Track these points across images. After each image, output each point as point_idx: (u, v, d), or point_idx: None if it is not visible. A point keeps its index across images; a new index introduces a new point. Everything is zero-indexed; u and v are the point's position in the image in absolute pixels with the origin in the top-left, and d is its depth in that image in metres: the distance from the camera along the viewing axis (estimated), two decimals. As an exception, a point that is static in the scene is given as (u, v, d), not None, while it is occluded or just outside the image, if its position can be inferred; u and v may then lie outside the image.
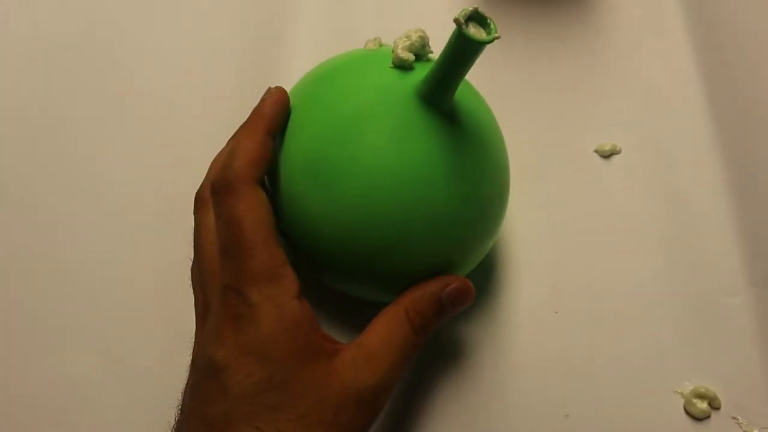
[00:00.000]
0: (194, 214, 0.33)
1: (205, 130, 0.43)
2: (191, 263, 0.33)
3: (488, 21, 0.28)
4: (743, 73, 0.45)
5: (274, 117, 0.32)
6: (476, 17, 0.28)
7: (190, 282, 0.33)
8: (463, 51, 0.28)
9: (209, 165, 0.34)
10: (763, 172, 0.42)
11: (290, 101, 0.34)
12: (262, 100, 0.33)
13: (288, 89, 0.35)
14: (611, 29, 0.48)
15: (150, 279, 0.40)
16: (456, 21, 0.27)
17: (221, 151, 0.34)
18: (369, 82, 0.32)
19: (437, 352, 0.38)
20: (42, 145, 0.45)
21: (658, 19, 0.48)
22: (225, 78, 0.47)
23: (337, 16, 0.49)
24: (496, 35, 0.28)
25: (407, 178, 0.30)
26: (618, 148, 0.44)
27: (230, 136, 0.35)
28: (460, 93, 0.32)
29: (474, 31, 0.28)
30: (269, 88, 0.33)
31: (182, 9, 0.50)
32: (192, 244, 0.33)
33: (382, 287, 0.33)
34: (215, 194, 0.31)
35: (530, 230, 0.41)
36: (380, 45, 0.36)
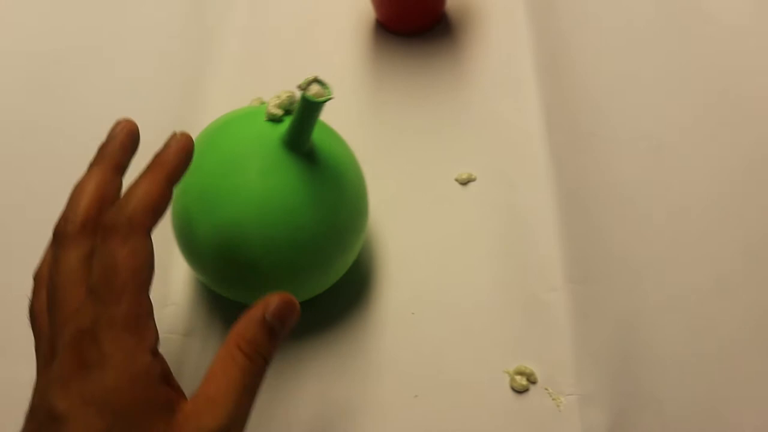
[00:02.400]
0: (53, 249, 0.32)
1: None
2: (29, 301, 0.33)
3: (326, 85, 0.37)
4: (578, 113, 0.55)
5: (178, 165, 0.32)
6: (319, 81, 0.37)
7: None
8: (306, 109, 0.38)
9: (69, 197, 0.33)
10: (585, 192, 0.51)
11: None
12: (167, 146, 0.33)
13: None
14: (473, 78, 0.58)
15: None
16: (299, 87, 0.37)
17: (81, 184, 0.33)
18: (247, 133, 0.42)
19: (309, 339, 0.47)
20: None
21: (512, 67, 0.58)
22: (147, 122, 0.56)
23: (249, 82, 0.60)
24: (331, 96, 0.37)
25: (272, 205, 0.39)
26: (474, 176, 0.53)
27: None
28: (319, 138, 0.42)
29: (316, 91, 0.37)
30: (174, 133, 0.33)
31: (112, 72, 0.61)
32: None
33: (255, 293, 0.42)
34: (102, 231, 0.30)
35: (396, 247, 0.50)
36: (261, 103, 0.45)
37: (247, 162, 0.40)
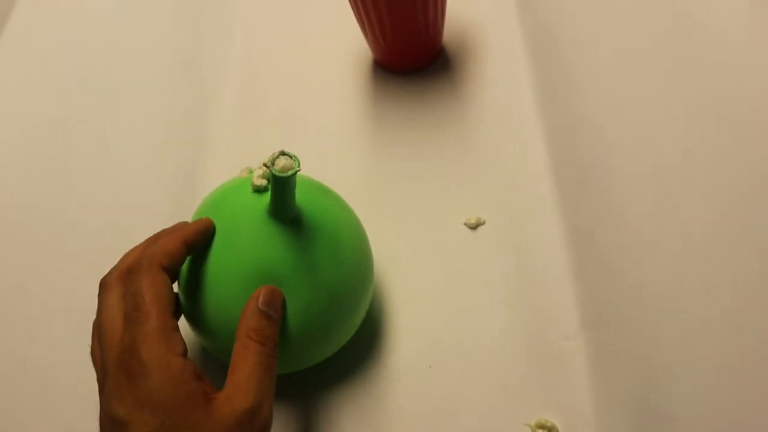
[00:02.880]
0: (98, 296, 0.38)
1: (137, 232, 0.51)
2: (90, 347, 0.38)
3: (293, 156, 0.37)
4: (582, 149, 0.53)
5: (194, 232, 0.40)
6: (286, 154, 0.37)
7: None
8: (277, 184, 0.37)
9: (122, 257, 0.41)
10: (594, 229, 0.49)
11: None
12: (191, 223, 0.41)
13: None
14: (474, 116, 0.57)
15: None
16: (264, 164, 0.37)
17: (128, 252, 0.41)
18: (235, 207, 0.41)
19: (323, 397, 0.46)
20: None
21: (513, 102, 0.57)
22: (155, 186, 0.58)
23: (251, 124, 0.60)
24: (298, 168, 0.37)
25: (264, 275, 0.39)
26: (483, 220, 0.51)
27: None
28: (309, 202, 0.41)
29: (284, 164, 0.36)
30: (200, 219, 0.41)
31: (107, 143, 0.61)
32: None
33: None
34: (129, 273, 0.37)
35: (408, 298, 0.49)
36: (251, 171, 0.45)
37: (236, 236, 0.40)
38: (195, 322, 0.43)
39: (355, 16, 0.56)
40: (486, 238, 0.51)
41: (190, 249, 0.40)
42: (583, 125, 0.54)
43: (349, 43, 0.63)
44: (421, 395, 0.46)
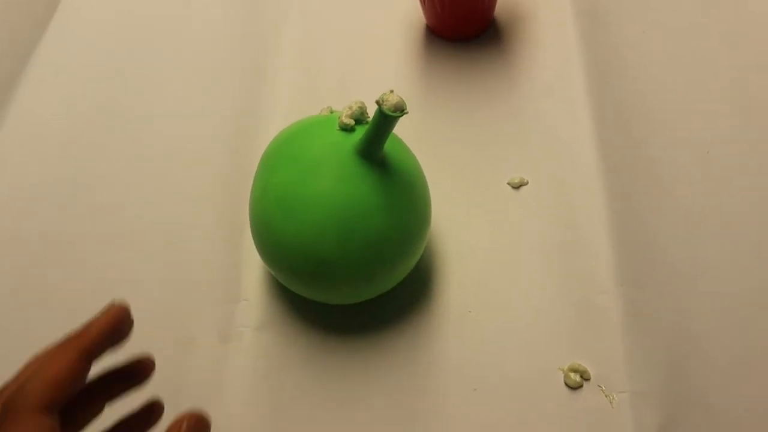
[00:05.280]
0: None
1: (197, 182, 0.55)
2: None
3: (402, 99, 0.40)
4: (629, 119, 0.57)
5: (99, 337, 0.29)
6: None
7: None
8: (382, 122, 0.40)
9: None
10: (636, 197, 0.53)
11: (263, 155, 0.46)
12: (94, 318, 0.31)
13: (266, 144, 0.48)
14: (523, 84, 0.60)
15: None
16: (377, 101, 0.39)
17: (30, 362, 0.30)
18: (322, 141, 0.44)
19: (375, 335, 0.50)
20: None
21: (563, 75, 0.60)
22: (215, 136, 0.61)
23: (307, 85, 0.63)
24: (406, 111, 0.39)
25: (348, 210, 0.42)
26: (526, 181, 0.55)
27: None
28: (390, 147, 0.44)
29: (397, 101, 0.39)
30: (112, 302, 0.32)
31: (181, 87, 0.64)
32: None
33: (328, 291, 0.46)
34: (1, 410, 0.26)
35: (453, 248, 0.53)
36: (331, 112, 0.48)
37: (324, 170, 0.43)
38: (267, 249, 0.45)
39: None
40: (529, 197, 0.55)
41: (94, 358, 0.30)
42: (631, 98, 0.57)
43: (402, 9, 0.67)
44: (462, 339, 0.49)
